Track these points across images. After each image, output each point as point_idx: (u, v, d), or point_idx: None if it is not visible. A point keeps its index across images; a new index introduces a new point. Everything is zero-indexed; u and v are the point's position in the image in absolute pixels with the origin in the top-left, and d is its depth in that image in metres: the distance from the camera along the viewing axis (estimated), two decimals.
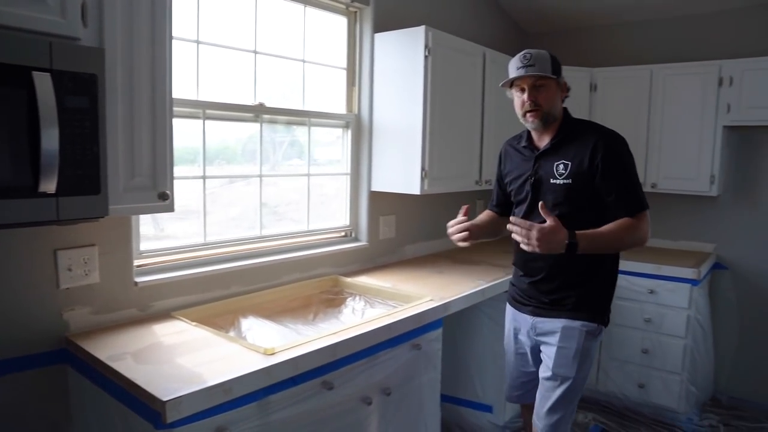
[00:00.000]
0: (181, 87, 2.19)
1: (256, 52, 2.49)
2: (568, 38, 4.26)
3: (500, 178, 2.37)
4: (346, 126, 2.96)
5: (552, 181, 2.06)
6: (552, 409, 2.08)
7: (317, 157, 2.87)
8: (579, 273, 2.06)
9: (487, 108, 3.18)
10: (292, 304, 2.51)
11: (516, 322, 2.27)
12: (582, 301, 2.07)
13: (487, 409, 3.05)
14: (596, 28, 4.14)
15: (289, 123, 2.69)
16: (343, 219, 3.01)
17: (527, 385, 2.32)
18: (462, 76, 2.99)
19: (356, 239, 3.02)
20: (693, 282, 3.26)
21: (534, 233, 1.86)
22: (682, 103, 3.52)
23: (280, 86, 2.67)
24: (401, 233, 3.24)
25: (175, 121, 2.16)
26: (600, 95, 3.74)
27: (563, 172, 2.04)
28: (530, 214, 2.11)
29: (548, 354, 2.11)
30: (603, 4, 3.82)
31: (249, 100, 2.48)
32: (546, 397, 2.10)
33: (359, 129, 2.97)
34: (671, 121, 3.56)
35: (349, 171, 2.98)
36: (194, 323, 2.00)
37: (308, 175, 2.79)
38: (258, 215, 2.58)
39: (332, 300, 2.61)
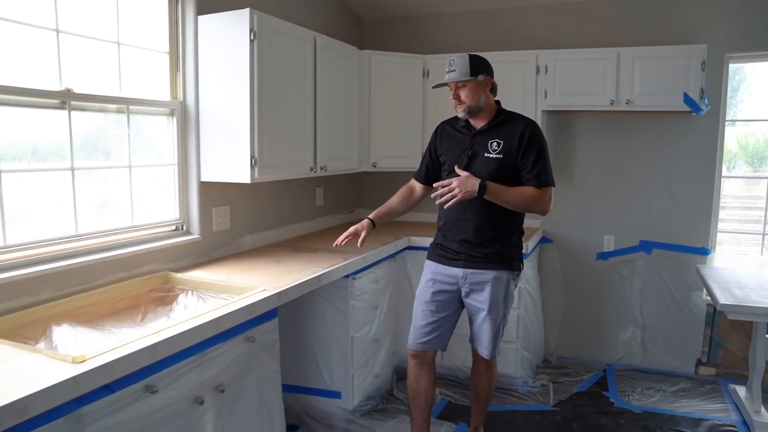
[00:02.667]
0: None
1: (58, 31, 2.25)
2: (402, 25, 4.38)
3: (434, 150, 2.72)
4: (170, 114, 2.79)
5: (486, 155, 2.49)
6: (494, 338, 2.60)
7: (142, 147, 2.68)
8: (501, 230, 2.53)
9: (320, 94, 3.18)
10: (117, 306, 2.34)
11: (438, 275, 2.63)
12: (505, 254, 2.54)
13: (336, 395, 3.07)
14: (427, 17, 4.30)
15: (104, 111, 2.47)
16: (172, 212, 2.85)
17: (438, 329, 2.65)
18: (292, 61, 2.95)
19: (188, 232, 2.88)
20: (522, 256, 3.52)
21: (454, 182, 2.38)
22: (507, 89, 3.74)
23: (94, 71, 2.44)
24: (237, 224, 3.14)
25: None
26: (432, 81, 3.88)
27: (496, 148, 2.47)
28: None
29: (481, 299, 2.55)
30: None
31: (54, 86, 2.24)
32: (486, 330, 2.58)
33: (185, 117, 2.82)
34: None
35: (176, 161, 2.82)
36: None
37: (129, 166, 2.60)
38: (73, 212, 2.35)
39: (163, 298, 2.47)
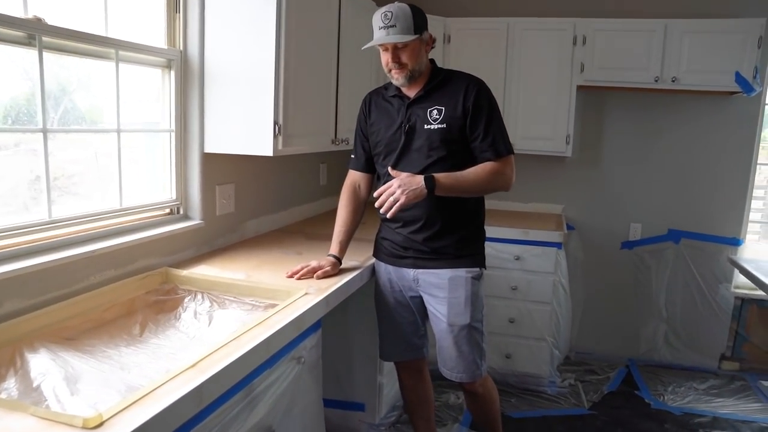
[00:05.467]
0: None
1: None
2: None
3: (364, 130, 2.22)
4: (167, 66, 2.18)
5: (426, 126, 2.03)
6: (460, 356, 2.10)
7: (131, 107, 2.07)
8: (454, 217, 2.07)
9: (343, 54, 2.63)
10: (106, 316, 1.76)
11: (391, 275, 2.20)
12: (461, 247, 2.09)
13: (359, 407, 2.62)
14: None
15: (85, 55, 1.86)
16: (166, 191, 2.26)
17: (417, 334, 2.27)
18: (317, 13, 2.40)
19: (186, 217, 2.30)
20: (558, 245, 3.15)
21: (395, 185, 1.90)
22: (539, 60, 3.37)
23: (73, 2, 1.82)
24: (241, 206, 2.58)
25: None
26: (454, 47, 3.43)
27: (437, 117, 2.02)
28: (399, 163, 2.06)
29: (438, 307, 2.11)
30: None
31: (18, 12, 1.62)
32: (447, 346, 2.12)
33: (186, 70, 2.22)
34: (528, 79, 3.38)
35: (173, 127, 2.23)
36: None
37: (118, 131, 1.99)
38: (46, 190, 1.74)
39: (164, 302, 1.91)
